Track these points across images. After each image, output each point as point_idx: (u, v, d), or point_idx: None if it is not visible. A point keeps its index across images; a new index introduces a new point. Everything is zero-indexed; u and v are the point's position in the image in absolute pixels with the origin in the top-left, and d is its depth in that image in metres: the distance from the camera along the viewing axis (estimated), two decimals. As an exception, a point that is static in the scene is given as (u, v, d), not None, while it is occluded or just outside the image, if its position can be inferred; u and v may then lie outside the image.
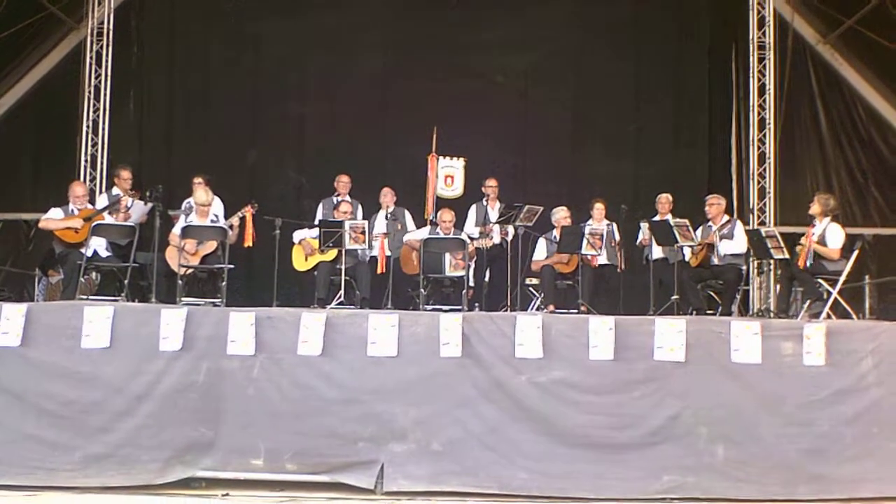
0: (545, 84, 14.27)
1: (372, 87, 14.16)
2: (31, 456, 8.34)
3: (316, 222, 11.20)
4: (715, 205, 10.82)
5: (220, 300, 9.61)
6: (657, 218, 11.26)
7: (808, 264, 9.76)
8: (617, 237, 11.25)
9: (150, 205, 10.62)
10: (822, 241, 9.79)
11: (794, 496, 8.31)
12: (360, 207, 11.64)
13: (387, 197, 11.66)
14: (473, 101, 13.87)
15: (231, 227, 10.45)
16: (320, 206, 11.78)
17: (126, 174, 11.29)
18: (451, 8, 13.97)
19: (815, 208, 9.99)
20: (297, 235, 10.99)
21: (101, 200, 11.21)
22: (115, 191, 11.19)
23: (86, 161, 13.50)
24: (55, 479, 8.28)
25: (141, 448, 8.40)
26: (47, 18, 13.77)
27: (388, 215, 11.48)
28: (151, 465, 8.38)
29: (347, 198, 11.68)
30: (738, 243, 10.48)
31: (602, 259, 10.98)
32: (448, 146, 12.11)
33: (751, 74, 13.68)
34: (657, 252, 11.06)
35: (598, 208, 11.38)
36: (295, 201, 13.41)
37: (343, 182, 11.83)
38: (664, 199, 11.57)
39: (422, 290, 10.08)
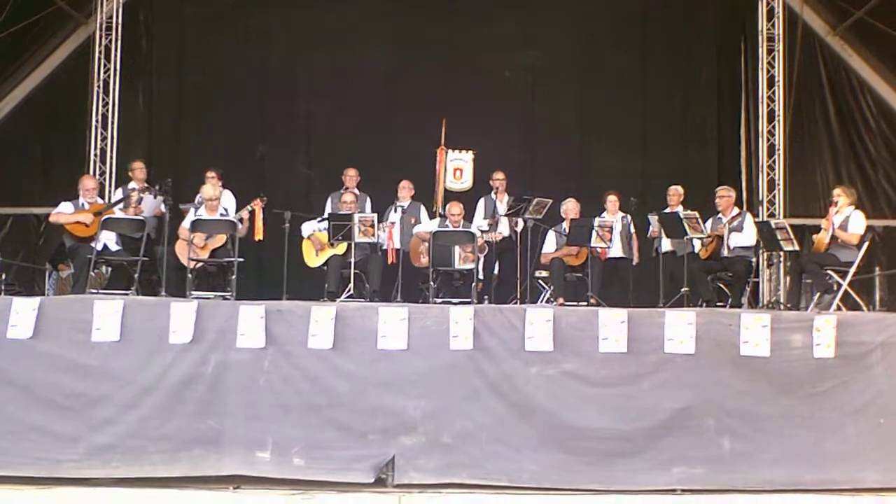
0: (553, 77, 14.24)
1: (380, 81, 14.16)
2: (36, 447, 8.37)
3: (318, 216, 11.19)
4: (725, 197, 10.79)
5: (229, 293, 9.62)
6: (667, 210, 11.26)
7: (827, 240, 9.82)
8: (632, 230, 11.25)
9: (159, 198, 10.64)
10: (843, 228, 9.80)
11: (800, 487, 8.34)
12: (368, 200, 11.62)
13: (404, 191, 11.62)
14: (481, 95, 13.86)
15: (241, 220, 10.47)
16: (329, 200, 11.77)
17: (139, 164, 11.40)
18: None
19: (843, 198, 9.97)
20: (306, 229, 10.96)
21: (118, 195, 11.24)
22: (132, 185, 11.21)
23: (95, 155, 13.58)
24: (59, 469, 8.30)
25: (147, 440, 8.41)
26: (56, 13, 13.79)
27: (401, 208, 11.44)
28: (158, 457, 8.39)
29: (355, 190, 11.67)
30: (747, 235, 10.46)
31: (616, 252, 10.98)
32: (456, 139, 12.10)
33: (760, 66, 13.70)
34: (667, 245, 11.05)
35: (612, 200, 11.39)
36: (304, 195, 13.40)
37: (350, 175, 11.82)
38: (674, 192, 11.57)
39: (431, 283, 10.07)
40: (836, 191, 10.19)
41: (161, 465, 8.35)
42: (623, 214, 11.30)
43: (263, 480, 8.33)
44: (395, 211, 11.43)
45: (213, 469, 8.38)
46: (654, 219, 11.20)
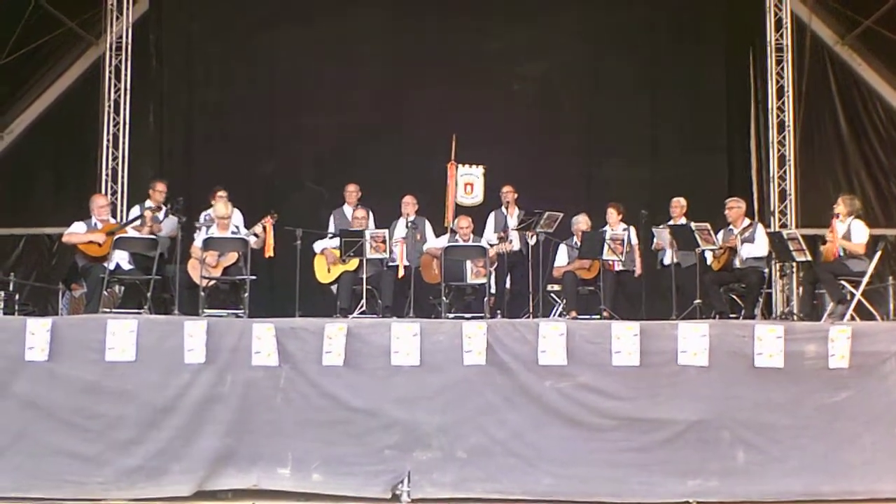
0: (562, 90, 14.27)
1: (389, 97, 14.17)
2: (62, 470, 8.42)
3: (331, 232, 11.20)
4: (735, 208, 10.76)
5: (242, 311, 9.64)
6: (671, 222, 11.22)
7: (839, 254, 9.78)
8: (634, 241, 11.21)
9: (180, 219, 10.63)
10: (846, 238, 9.78)
11: (817, 497, 8.34)
12: (371, 216, 11.61)
13: (408, 206, 11.52)
14: (490, 109, 13.88)
15: (255, 234, 10.48)
16: (332, 217, 11.75)
17: (161, 186, 11.31)
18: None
19: (840, 208, 9.96)
20: (318, 246, 10.99)
21: (134, 213, 11.24)
22: (149, 203, 11.20)
23: (107, 175, 13.62)
24: (86, 492, 8.35)
25: (170, 460, 8.46)
26: (66, 34, 13.91)
27: (408, 223, 11.41)
28: (180, 477, 8.43)
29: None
30: (759, 246, 10.42)
31: (618, 265, 10.96)
32: (467, 154, 12.10)
33: (769, 77, 13.67)
34: (670, 257, 11.00)
35: (611, 213, 11.31)
36: (314, 212, 13.37)
37: (350, 191, 11.81)
38: (676, 203, 11.49)
39: (444, 299, 10.05)
40: (838, 200, 10.19)
41: (185, 484, 8.39)
42: (624, 226, 11.26)
43: (280, 496, 8.37)
44: (406, 226, 11.40)
45: (236, 485, 8.43)
46: (660, 232, 11.12)
